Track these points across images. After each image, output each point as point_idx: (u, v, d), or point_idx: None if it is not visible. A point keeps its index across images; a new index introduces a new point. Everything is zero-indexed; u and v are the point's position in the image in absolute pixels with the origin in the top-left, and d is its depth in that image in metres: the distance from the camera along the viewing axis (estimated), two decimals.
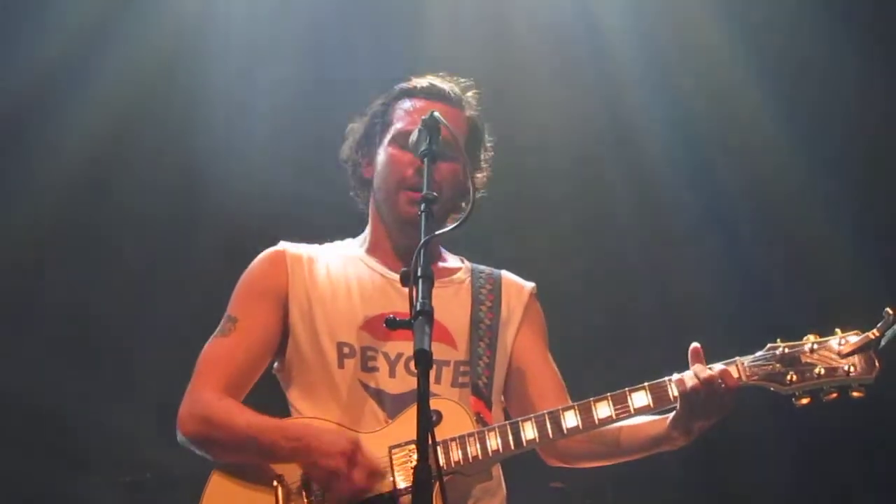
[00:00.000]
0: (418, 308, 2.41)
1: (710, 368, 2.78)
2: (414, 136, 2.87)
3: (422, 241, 2.54)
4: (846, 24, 5.18)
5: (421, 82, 3.24)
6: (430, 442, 2.32)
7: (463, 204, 3.16)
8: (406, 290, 2.47)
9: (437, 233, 2.63)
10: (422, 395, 2.32)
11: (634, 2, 5.42)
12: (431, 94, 3.21)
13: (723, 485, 6.02)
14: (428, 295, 2.44)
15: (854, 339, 2.73)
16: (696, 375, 2.76)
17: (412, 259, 2.50)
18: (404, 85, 3.26)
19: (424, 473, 2.29)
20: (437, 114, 2.84)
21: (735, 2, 5.35)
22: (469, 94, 3.28)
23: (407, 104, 3.20)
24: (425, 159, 2.78)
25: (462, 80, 3.29)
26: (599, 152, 5.81)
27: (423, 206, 2.65)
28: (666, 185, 5.81)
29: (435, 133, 2.81)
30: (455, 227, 2.71)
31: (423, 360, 2.33)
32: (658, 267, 5.99)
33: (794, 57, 5.38)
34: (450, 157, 3.03)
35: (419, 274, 2.47)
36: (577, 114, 5.67)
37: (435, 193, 2.68)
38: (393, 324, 2.53)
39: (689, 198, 5.80)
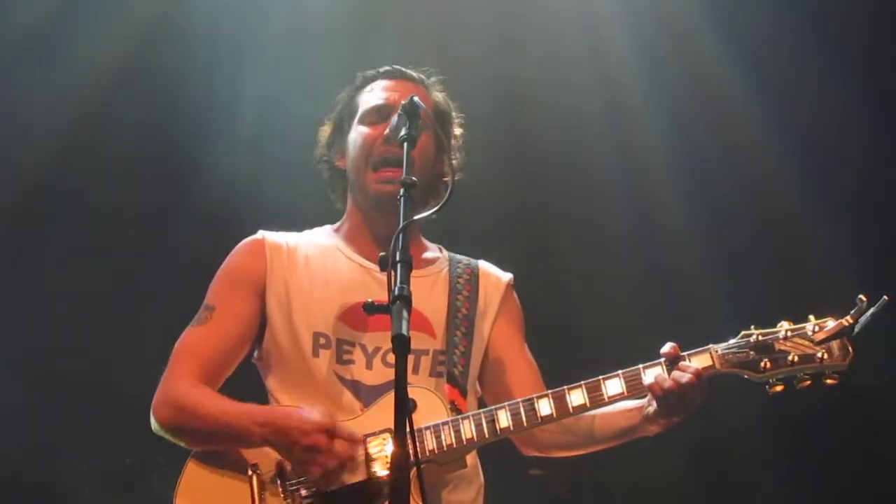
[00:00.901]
0: (396, 293, 2.38)
1: (685, 372, 2.76)
2: (393, 122, 2.86)
3: (400, 225, 2.52)
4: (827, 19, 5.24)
5: (383, 67, 3.27)
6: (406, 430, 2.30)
7: (442, 189, 3.15)
8: (384, 279, 2.44)
9: (415, 217, 2.60)
10: (400, 381, 2.29)
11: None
12: (394, 74, 3.24)
13: (702, 473, 6.04)
14: (406, 280, 2.41)
15: (828, 326, 2.72)
16: (675, 380, 2.76)
17: (390, 245, 2.48)
18: (367, 72, 3.29)
19: (402, 461, 2.26)
20: (416, 98, 2.82)
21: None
22: (433, 79, 3.29)
23: (370, 86, 3.24)
24: (405, 144, 2.75)
25: (425, 68, 3.30)
26: (588, 144, 5.84)
27: (402, 192, 2.62)
28: (655, 179, 5.86)
29: (414, 118, 2.79)
30: (434, 211, 2.70)
31: (402, 345, 2.30)
32: (642, 256, 6.02)
33: (773, 46, 5.42)
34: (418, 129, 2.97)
35: (397, 259, 2.44)
36: (570, 105, 5.72)
37: (414, 178, 2.65)
38: (371, 308, 2.50)
39: (675, 189, 5.85)
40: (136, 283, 5.78)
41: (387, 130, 3.03)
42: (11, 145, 5.41)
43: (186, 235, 5.64)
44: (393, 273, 2.42)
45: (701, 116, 5.65)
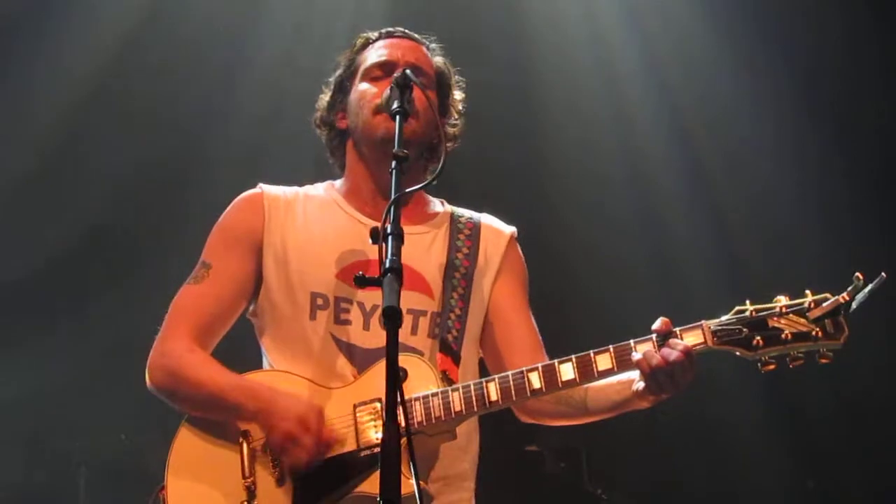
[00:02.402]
0: (387, 265, 2.39)
1: (674, 349, 2.71)
2: (386, 94, 2.85)
3: (392, 198, 2.51)
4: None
5: (383, 30, 3.24)
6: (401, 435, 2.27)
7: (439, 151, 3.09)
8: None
9: (407, 190, 2.59)
10: (391, 354, 2.29)
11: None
12: (396, 33, 3.21)
13: (698, 449, 6.04)
14: (397, 252, 2.41)
15: (823, 303, 2.66)
16: (664, 357, 2.70)
17: (385, 211, 2.48)
18: (368, 33, 3.25)
19: (392, 435, 2.25)
20: (409, 72, 2.83)
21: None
22: (434, 46, 3.26)
23: (371, 46, 3.21)
24: (397, 117, 2.74)
25: (426, 34, 3.27)
26: (601, 135, 5.90)
27: (393, 164, 2.62)
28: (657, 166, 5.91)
29: (406, 91, 2.78)
30: (425, 185, 2.76)
31: (393, 318, 2.31)
32: (642, 232, 6.02)
33: (772, 37, 5.51)
34: (422, 84, 2.97)
35: (389, 231, 2.44)
36: (575, 90, 5.83)
37: (405, 151, 2.65)
38: (362, 281, 2.50)
39: (677, 171, 5.96)
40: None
41: (380, 99, 2.99)
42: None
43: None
44: (384, 245, 2.41)
45: (699, 113, 5.70)
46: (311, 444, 2.75)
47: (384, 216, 2.46)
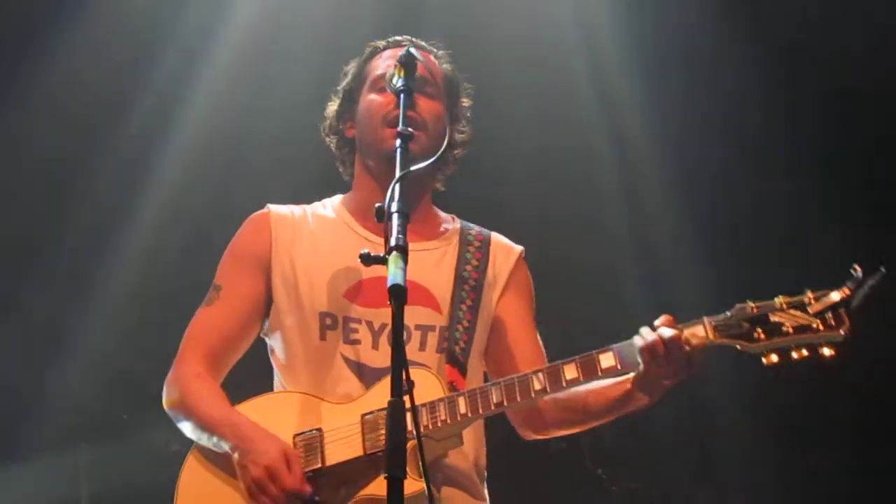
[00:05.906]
0: (392, 243, 2.41)
1: (674, 328, 2.74)
2: (390, 72, 2.87)
3: (397, 175, 2.54)
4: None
5: (391, 38, 3.26)
6: (406, 405, 2.31)
7: (451, 160, 3.22)
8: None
9: (412, 168, 2.63)
10: (397, 330, 2.32)
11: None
12: (403, 43, 3.21)
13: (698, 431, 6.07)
14: (403, 231, 2.44)
15: (825, 297, 2.69)
16: (659, 334, 2.73)
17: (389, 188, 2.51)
18: (377, 43, 3.27)
19: (397, 409, 2.28)
20: (413, 50, 2.85)
21: None
22: (441, 52, 3.28)
23: (380, 55, 3.23)
24: (401, 95, 2.78)
25: (433, 42, 3.29)
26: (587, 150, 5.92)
27: (398, 143, 2.65)
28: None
29: (411, 69, 2.81)
30: (430, 162, 2.78)
31: (398, 295, 2.32)
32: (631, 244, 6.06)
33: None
34: (430, 95, 3.05)
35: (394, 209, 2.47)
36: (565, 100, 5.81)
37: (411, 130, 2.69)
38: (368, 259, 2.52)
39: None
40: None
41: (385, 75, 3.01)
42: None
43: None
44: (389, 224, 2.44)
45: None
46: (277, 492, 2.76)
47: (388, 194, 2.49)
